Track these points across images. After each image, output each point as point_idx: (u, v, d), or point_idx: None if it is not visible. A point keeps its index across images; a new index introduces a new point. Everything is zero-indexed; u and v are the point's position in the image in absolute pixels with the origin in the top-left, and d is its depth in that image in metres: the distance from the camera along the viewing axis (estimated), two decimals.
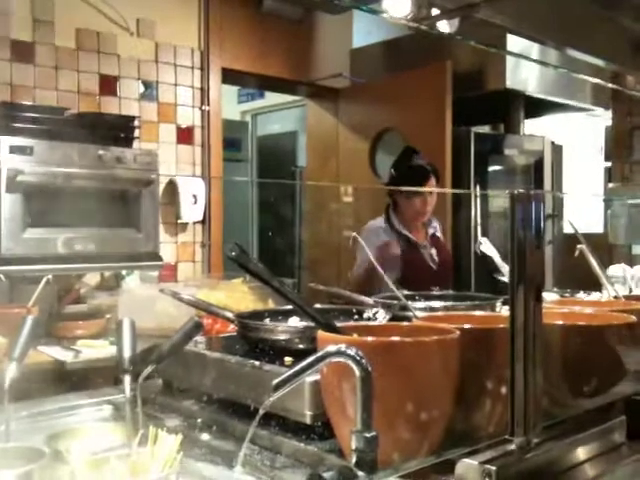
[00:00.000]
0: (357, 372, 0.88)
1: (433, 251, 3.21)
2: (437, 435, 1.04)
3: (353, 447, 0.88)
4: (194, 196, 3.75)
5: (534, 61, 3.94)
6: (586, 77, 3.42)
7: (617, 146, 5.09)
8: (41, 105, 3.08)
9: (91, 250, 2.85)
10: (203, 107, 3.93)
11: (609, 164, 5.41)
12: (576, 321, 1.29)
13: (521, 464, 1.01)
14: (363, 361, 0.88)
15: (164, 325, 2.32)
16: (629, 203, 4.51)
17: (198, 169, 3.92)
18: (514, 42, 3.87)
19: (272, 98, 5.96)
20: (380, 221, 3.21)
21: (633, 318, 1.31)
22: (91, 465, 1.04)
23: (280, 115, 6.31)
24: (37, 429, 1.23)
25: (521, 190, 1.01)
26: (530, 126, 5.17)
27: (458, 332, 1.06)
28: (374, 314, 1.54)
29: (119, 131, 3.00)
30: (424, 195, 3.13)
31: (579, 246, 1.81)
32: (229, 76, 4.14)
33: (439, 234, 3.31)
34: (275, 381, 0.87)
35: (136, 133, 3.13)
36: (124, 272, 3.16)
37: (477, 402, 1.12)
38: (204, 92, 3.94)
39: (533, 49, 4.03)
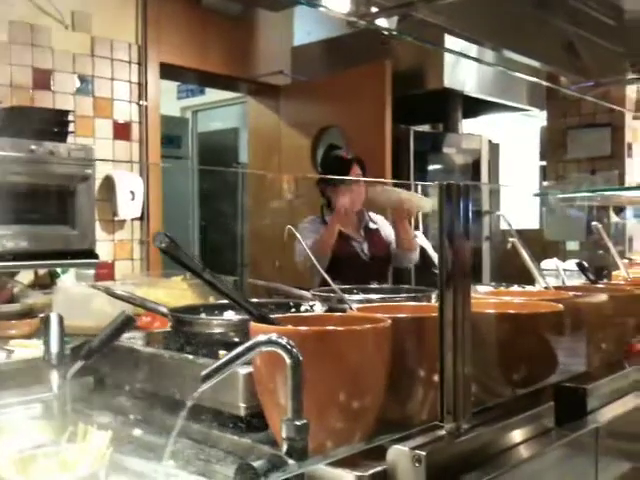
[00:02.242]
0: (287, 360, 0.88)
1: (365, 245, 3.26)
2: (370, 422, 1.05)
3: (284, 435, 0.88)
4: (132, 192, 3.69)
5: (472, 59, 4.01)
6: (523, 76, 3.51)
7: (552, 145, 5.24)
8: None
9: (24, 247, 2.77)
10: (141, 102, 3.87)
11: (544, 163, 5.57)
12: (506, 310, 1.32)
13: (451, 449, 1.03)
14: (293, 350, 0.88)
15: (101, 324, 2.27)
16: (562, 200, 4.64)
17: (136, 166, 3.86)
18: (453, 42, 3.95)
19: (213, 95, 5.92)
20: (313, 218, 3.27)
21: (560, 306, 1.35)
22: (17, 463, 1.01)
23: (221, 112, 6.26)
24: None
25: (450, 182, 1.03)
26: (468, 125, 5.28)
27: (389, 321, 1.07)
28: (311, 307, 1.54)
29: (52, 125, 2.93)
30: (349, 185, 3.18)
31: (511, 239, 1.85)
32: (168, 71, 4.09)
33: (376, 226, 3.34)
34: (204, 372, 0.86)
35: (71, 128, 3.07)
36: (59, 270, 3.08)
37: (409, 390, 1.13)
38: (142, 87, 3.88)
39: (471, 49, 4.12)
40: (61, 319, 1.20)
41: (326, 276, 1.42)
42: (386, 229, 3.36)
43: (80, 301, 2.62)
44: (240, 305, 1.10)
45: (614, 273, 2.35)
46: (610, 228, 4.01)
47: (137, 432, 1.20)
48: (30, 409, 1.34)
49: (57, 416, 1.14)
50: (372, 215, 3.37)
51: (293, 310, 1.53)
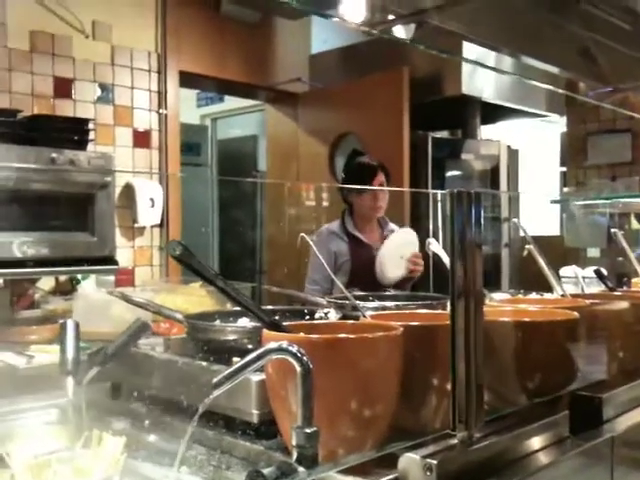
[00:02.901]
0: (298, 368, 0.88)
1: None
2: (381, 430, 1.05)
3: (294, 443, 0.88)
4: (151, 199, 3.72)
5: (489, 68, 4.01)
6: (540, 84, 3.49)
7: (572, 151, 5.21)
8: None
9: (45, 254, 2.81)
10: (160, 110, 3.91)
11: (564, 169, 5.53)
12: (520, 318, 1.32)
13: (462, 458, 1.02)
14: (304, 358, 0.88)
15: (120, 330, 2.29)
16: (583, 207, 4.61)
17: (155, 174, 3.90)
18: (470, 49, 3.94)
19: (232, 102, 5.95)
20: (335, 225, 3.25)
21: (575, 315, 1.34)
22: (32, 468, 1.02)
23: (240, 119, 6.30)
24: None
25: (460, 189, 1.03)
26: (487, 131, 5.25)
27: (401, 329, 1.07)
28: (325, 314, 1.54)
29: (73, 134, 2.97)
30: (374, 191, 3.18)
31: (527, 247, 1.84)
32: (187, 79, 4.12)
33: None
34: (215, 379, 0.87)
35: (91, 136, 3.10)
36: (79, 276, 3.12)
37: (421, 398, 1.13)
38: (161, 95, 3.91)
39: (489, 56, 4.11)
40: (77, 325, 1.22)
41: (339, 283, 1.42)
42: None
43: (100, 307, 2.65)
44: (252, 312, 1.11)
45: (633, 280, 2.33)
46: (631, 235, 3.97)
47: (151, 438, 1.22)
48: (46, 414, 1.36)
49: (72, 422, 1.15)
50: (391, 224, 3.35)
51: (307, 317, 1.54)
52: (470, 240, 1.03)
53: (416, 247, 3.11)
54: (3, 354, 2.51)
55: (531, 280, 2.57)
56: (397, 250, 3.08)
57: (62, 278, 3.20)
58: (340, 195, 3.37)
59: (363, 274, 3.02)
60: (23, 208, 2.77)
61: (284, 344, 0.90)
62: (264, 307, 1.45)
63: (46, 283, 3.17)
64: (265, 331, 1.07)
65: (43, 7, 3.43)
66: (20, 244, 2.75)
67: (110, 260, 3.04)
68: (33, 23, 3.43)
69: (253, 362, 0.89)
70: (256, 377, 1.12)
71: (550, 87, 3.44)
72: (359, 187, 3.15)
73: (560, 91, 3.52)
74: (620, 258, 3.06)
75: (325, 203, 4.55)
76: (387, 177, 3.25)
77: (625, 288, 2.27)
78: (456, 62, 4.31)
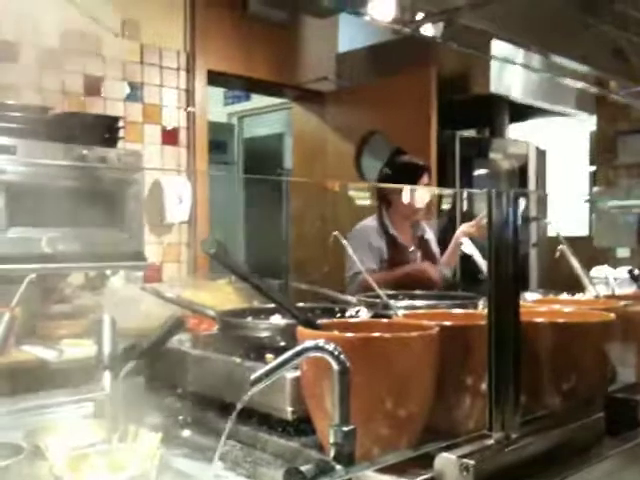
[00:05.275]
0: (335, 367, 0.88)
1: (418, 254, 3.22)
2: (417, 430, 1.05)
3: (331, 441, 0.88)
4: (179, 197, 3.75)
5: (518, 65, 3.97)
6: (570, 82, 3.45)
7: (601, 151, 5.14)
8: (25, 104, 3.06)
9: (75, 250, 2.83)
10: (188, 109, 3.93)
11: (594, 168, 5.46)
12: (555, 319, 1.30)
13: (499, 458, 1.02)
14: (341, 356, 0.89)
15: (149, 325, 2.31)
16: (613, 207, 4.55)
17: (183, 171, 3.92)
18: (499, 47, 3.91)
19: (258, 101, 5.96)
20: (371, 221, 3.21)
21: (611, 316, 1.32)
22: (70, 461, 1.04)
23: (267, 118, 6.31)
24: (17, 426, 1.23)
25: (499, 190, 1.02)
26: (515, 130, 5.21)
27: (437, 328, 1.07)
28: (356, 312, 1.54)
29: (103, 131, 3.00)
30: (419, 192, 3.17)
31: (560, 247, 1.83)
32: (215, 78, 4.14)
33: (428, 237, 3.32)
34: (253, 376, 0.87)
35: (120, 133, 3.13)
36: (109, 272, 3.15)
37: (457, 398, 1.13)
38: (189, 94, 3.94)
39: (518, 54, 4.07)
40: (113, 321, 1.23)
41: (372, 282, 1.42)
42: (434, 241, 3.34)
43: (129, 302, 2.67)
44: (286, 309, 1.11)
45: None
46: None
47: (186, 433, 1.23)
48: (82, 408, 1.38)
49: (109, 416, 1.16)
50: (423, 224, 3.33)
51: (338, 315, 1.54)
52: (508, 240, 1.02)
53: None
54: (34, 348, 2.55)
55: (560, 280, 2.55)
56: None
57: (92, 274, 3.23)
58: (376, 193, 3.33)
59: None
60: (54, 204, 2.80)
61: (321, 342, 0.90)
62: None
63: (76, 278, 3.20)
64: (300, 329, 1.07)
65: (74, 6, 3.46)
66: (50, 240, 2.78)
67: (139, 256, 3.06)
68: (64, 22, 3.46)
69: (291, 360, 0.89)
70: (290, 374, 1.12)
71: (580, 85, 3.40)
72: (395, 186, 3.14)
73: (592, 90, 3.48)
74: None
75: (356, 202, 4.53)
76: (430, 179, 3.25)
77: None
78: (484, 61, 4.28)
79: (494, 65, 4.32)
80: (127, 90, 3.70)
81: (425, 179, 3.20)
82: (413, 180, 3.17)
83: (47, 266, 2.80)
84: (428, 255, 3.26)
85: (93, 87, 3.57)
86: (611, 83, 3.71)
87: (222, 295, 2.74)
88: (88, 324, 2.79)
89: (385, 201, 3.24)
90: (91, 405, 1.35)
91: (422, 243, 3.28)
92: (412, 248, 3.21)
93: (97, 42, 3.59)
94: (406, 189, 3.10)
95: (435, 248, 3.32)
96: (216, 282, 2.91)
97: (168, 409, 1.34)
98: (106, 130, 3.04)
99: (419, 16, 2.41)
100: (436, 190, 3.37)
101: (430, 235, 3.33)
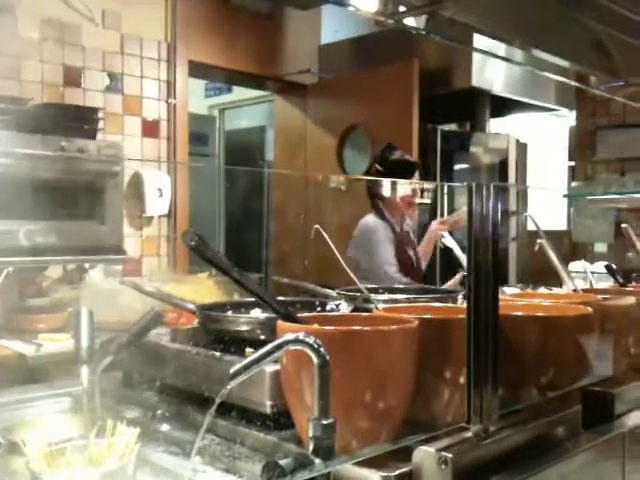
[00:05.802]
0: (315, 360, 0.88)
1: (409, 247, 3.30)
2: (396, 423, 1.05)
3: (310, 434, 0.88)
4: (159, 189, 3.72)
5: (500, 58, 3.98)
6: (552, 76, 3.47)
7: (581, 146, 5.18)
8: (3, 95, 3.02)
9: (53, 242, 2.80)
10: (169, 100, 3.90)
11: (573, 163, 5.51)
12: (533, 312, 1.31)
13: (477, 451, 1.02)
14: (321, 349, 0.88)
15: (128, 319, 2.29)
16: (591, 202, 4.59)
17: (164, 163, 3.89)
18: (481, 40, 3.93)
19: (240, 93, 5.93)
20: (373, 216, 3.28)
21: (589, 310, 1.34)
22: (46, 456, 1.02)
23: (248, 110, 6.28)
24: None
25: (479, 182, 1.02)
26: (496, 125, 5.23)
27: (416, 322, 1.07)
28: (337, 306, 1.54)
29: (82, 122, 2.96)
30: (411, 187, 3.23)
31: (539, 241, 1.84)
32: (196, 69, 4.11)
33: (408, 229, 3.39)
34: (232, 369, 0.87)
35: (100, 125, 3.10)
36: (87, 265, 3.12)
37: (436, 391, 1.13)
38: (170, 85, 3.90)
39: (500, 48, 4.08)
40: (91, 314, 1.21)
41: (353, 276, 1.42)
42: (412, 233, 3.42)
43: (107, 296, 2.65)
44: (267, 303, 1.10)
45: None
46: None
47: (165, 428, 1.22)
48: (59, 403, 1.37)
49: (86, 410, 1.15)
50: (407, 219, 3.40)
51: (319, 309, 1.53)
52: (488, 234, 1.03)
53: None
54: (12, 342, 2.52)
55: (539, 274, 2.57)
56: None
57: (70, 267, 3.20)
58: (368, 188, 3.38)
59: (404, 268, 3.12)
60: (32, 196, 2.76)
61: (301, 335, 0.90)
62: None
63: (54, 271, 3.17)
64: (280, 322, 1.07)
65: None
66: (28, 232, 2.75)
67: (118, 249, 3.04)
68: (43, 11, 3.42)
69: (270, 353, 0.88)
70: (270, 368, 1.11)
71: (561, 79, 3.42)
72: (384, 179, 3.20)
73: (572, 83, 3.49)
74: (629, 253, 3.05)
75: (336, 194, 4.53)
76: (420, 175, 3.32)
77: (634, 284, 2.26)
78: (466, 55, 4.29)
79: (476, 59, 4.34)
80: (107, 81, 3.67)
81: (417, 175, 3.27)
82: (406, 176, 3.26)
83: (25, 259, 2.76)
84: (411, 245, 3.32)
85: (72, 78, 3.53)
86: (591, 78, 3.73)
87: (203, 289, 2.73)
88: (66, 318, 2.77)
89: (379, 196, 3.30)
90: (68, 400, 1.33)
91: (409, 237, 3.34)
92: (406, 241, 3.29)
93: (77, 32, 3.54)
94: (400, 184, 3.17)
95: (414, 239, 3.40)
96: (197, 275, 2.89)
97: (146, 403, 1.33)
98: (86, 121, 3.00)
99: (402, 8, 2.41)
100: (417, 184, 3.40)
101: (408, 227, 3.39)
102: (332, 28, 4.85)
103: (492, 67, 4.47)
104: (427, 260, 3.38)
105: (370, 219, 3.28)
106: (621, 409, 1.38)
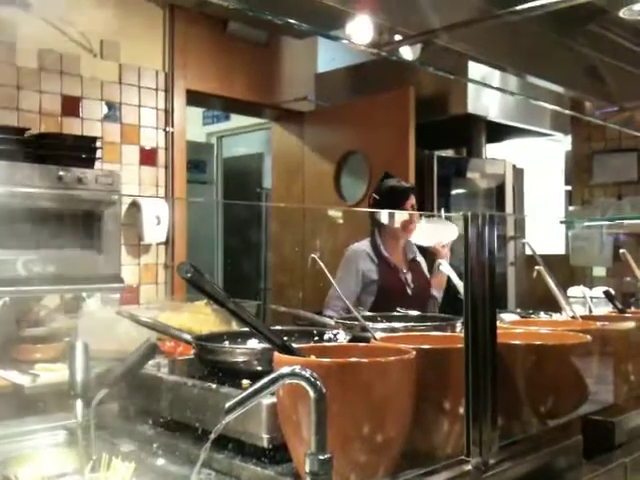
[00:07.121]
0: (311, 394, 0.87)
1: (409, 275, 3.26)
2: (394, 456, 1.04)
3: (307, 470, 0.87)
4: (157, 217, 3.72)
5: (495, 88, 4.02)
6: (546, 105, 3.50)
7: (577, 170, 5.20)
8: (1, 125, 3.03)
9: (50, 272, 2.80)
10: (167, 129, 3.92)
11: (570, 188, 5.52)
12: (532, 340, 1.30)
13: None
14: (317, 383, 0.87)
15: (126, 348, 2.28)
16: (588, 226, 4.59)
17: (162, 191, 3.90)
18: (476, 69, 3.97)
19: (237, 120, 5.97)
20: (364, 244, 3.26)
21: (588, 338, 1.33)
22: None
23: (246, 137, 6.31)
24: None
25: (474, 212, 1.02)
26: (492, 150, 5.26)
27: (414, 352, 1.06)
28: (335, 335, 1.53)
29: (80, 152, 2.98)
30: (407, 213, 3.23)
31: (537, 267, 1.83)
32: (194, 98, 4.14)
33: (419, 259, 3.36)
34: (227, 404, 0.86)
35: (98, 154, 3.11)
36: (84, 294, 3.11)
37: (435, 422, 1.12)
38: (168, 114, 3.93)
39: (495, 76, 4.12)
40: (86, 346, 1.21)
41: (350, 305, 1.42)
42: (424, 264, 3.39)
43: (105, 325, 2.63)
44: (263, 335, 1.10)
45: None
46: (638, 254, 3.95)
47: (160, 462, 1.20)
48: (54, 436, 1.35)
49: (81, 444, 1.14)
50: (415, 247, 3.39)
51: (317, 339, 1.52)
52: (485, 262, 1.03)
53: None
54: (8, 373, 2.49)
55: (538, 300, 2.56)
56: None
57: (67, 296, 3.19)
58: (370, 216, 3.39)
59: (390, 296, 3.06)
60: (29, 226, 2.76)
61: (297, 369, 0.89)
62: (272, 327, 1.44)
63: (51, 301, 3.16)
64: (277, 354, 1.06)
65: (52, 26, 3.45)
66: (26, 262, 2.74)
67: (116, 278, 3.03)
68: (42, 42, 3.44)
69: (266, 387, 0.87)
70: (267, 401, 1.10)
71: (556, 107, 3.44)
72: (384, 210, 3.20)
73: (566, 112, 3.52)
74: (628, 278, 3.04)
75: (334, 223, 4.54)
76: (417, 200, 3.32)
77: (633, 309, 2.25)
78: (461, 82, 4.33)
79: (471, 86, 4.37)
80: (105, 110, 3.69)
81: (412, 200, 3.27)
82: (401, 201, 3.25)
83: (22, 289, 2.76)
84: (419, 277, 3.29)
85: (71, 107, 3.55)
86: (586, 104, 3.76)
87: (200, 317, 2.72)
88: (63, 347, 2.75)
89: (377, 224, 3.32)
90: (63, 433, 1.32)
91: (413, 265, 3.32)
92: (404, 270, 3.25)
93: (75, 62, 3.57)
94: (394, 212, 3.17)
95: (426, 271, 3.37)
96: (194, 303, 2.88)
97: (142, 437, 1.31)
98: (84, 151, 3.02)
99: (397, 38, 2.43)
100: (416, 212, 3.41)
101: (420, 258, 3.37)
102: (328, 56, 4.89)
103: (487, 94, 4.51)
104: (441, 288, 3.34)
105: (353, 246, 3.27)
106: (622, 438, 1.36)
